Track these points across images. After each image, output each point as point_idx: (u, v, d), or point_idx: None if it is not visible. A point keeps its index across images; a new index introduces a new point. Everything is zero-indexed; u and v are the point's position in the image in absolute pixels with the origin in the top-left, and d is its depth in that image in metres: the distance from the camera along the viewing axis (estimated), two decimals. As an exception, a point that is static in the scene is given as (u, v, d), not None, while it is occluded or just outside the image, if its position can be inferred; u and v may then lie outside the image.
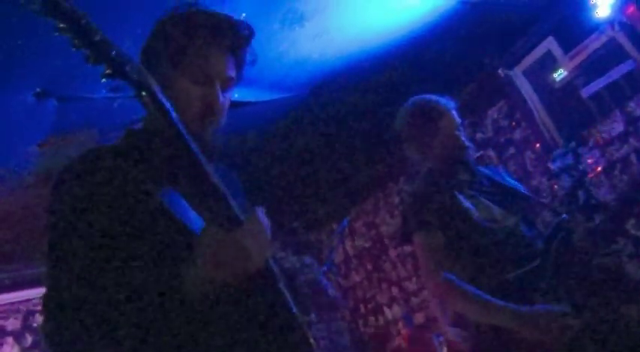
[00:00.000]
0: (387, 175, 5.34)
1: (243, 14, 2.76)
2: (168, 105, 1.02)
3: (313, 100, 3.76)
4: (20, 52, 2.44)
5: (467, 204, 2.11)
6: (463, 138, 2.25)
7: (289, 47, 3.16)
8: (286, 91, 3.53)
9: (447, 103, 2.30)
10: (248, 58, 1.30)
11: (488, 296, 1.93)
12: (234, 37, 1.25)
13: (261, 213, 1.08)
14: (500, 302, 1.90)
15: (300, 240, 5.72)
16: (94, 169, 1.09)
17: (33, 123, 2.91)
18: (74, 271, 1.00)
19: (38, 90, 2.66)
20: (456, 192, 2.13)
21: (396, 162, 5.01)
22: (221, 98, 1.22)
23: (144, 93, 0.98)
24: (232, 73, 1.25)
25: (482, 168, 2.39)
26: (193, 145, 1.03)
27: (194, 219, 1.09)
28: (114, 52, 0.92)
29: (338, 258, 5.97)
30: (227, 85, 1.25)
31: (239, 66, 1.28)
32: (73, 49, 0.89)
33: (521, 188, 2.37)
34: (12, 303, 4.32)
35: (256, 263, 1.04)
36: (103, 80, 0.92)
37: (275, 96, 3.52)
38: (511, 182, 2.36)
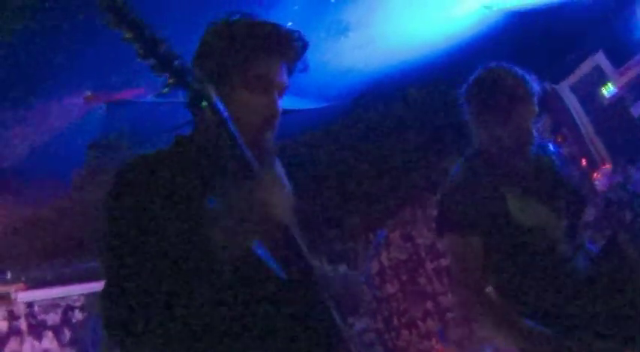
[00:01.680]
0: (425, 186, 5.29)
1: (290, 23, 2.78)
2: (226, 114, 1.04)
3: (355, 110, 3.76)
4: (72, 57, 2.51)
5: (513, 204, 1.77)
6: (535, 132, 1.84)
7: (333, 57, 3.16)
8: (329, 100, 3.54)
9: (532, 87, 1.84)
10: (299, 66, 1.33)
11: (524, 320, 1.68)
12: (290, 48, 1.27)
13: (277, 166, 1.12)
14: (542, 330, 1.65)
15: (336, 249, 5.70)
16: (148, 175, 1.13)
17: (83, 126, 2.99)
18: (132, 268, 1.05)
19: (88, 93, 2.74)
20: (504, 188, 1.78)
21: (434, 174, 4.95)
22: (279, 106, 1.25)
23: (204, 103, 1.01)
24: (287, 81, 1.28)
25: (539, 149, 1.96)
26: (248, 153, 1.07)
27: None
28: (177, 62, 0.95)
29: (373, 268, 5.93)
30: (281, 92, 1.27)
31: (290, 73, 1.31)
32: (139, 60, 0.93)
33: (578, 184, 2.06)
34: (52, 299, 4.45)
35: (277, 214, 1.06)
36: (166, 90, 0.96)
37: (317, 105, 3.53)
38: (568, 175, 2.00)
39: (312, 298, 1.19)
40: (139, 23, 0.90)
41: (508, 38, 3.44)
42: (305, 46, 1.30)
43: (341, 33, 3.04)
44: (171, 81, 0.96)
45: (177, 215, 1.08)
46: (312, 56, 1.29)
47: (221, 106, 1.03)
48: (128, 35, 0.90)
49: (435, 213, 2.00)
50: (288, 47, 1.27)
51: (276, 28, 1.26)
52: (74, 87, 2.75)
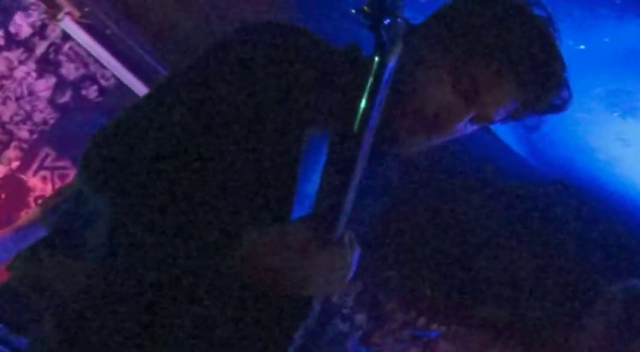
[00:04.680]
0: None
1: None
2: (388, 76, 0.85)
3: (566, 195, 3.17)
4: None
5: None
6: None
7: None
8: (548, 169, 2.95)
9: None
10: (532, 120, 1.13)
11: None
12: (547, 92, 1.05)
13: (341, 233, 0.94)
14: None
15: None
16: (271, 46, 1.00)
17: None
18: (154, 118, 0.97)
19: None
20: None
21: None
22: (464, 128, 1.06)
23: (377, 55, 0.84)
24: (499, 118, 1.08)
25: None
26: (372, 122, 0.88)
27: (313, 179, 0.95)
28: (388, 1, 0.80)
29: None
30: (482, 121, 1.08)
31: (514, 116, 1.09)
32: None
33: None
34: (85, 50, 3.67)
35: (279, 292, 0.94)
36: (353, 11, 0.82)
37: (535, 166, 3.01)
38: None
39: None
40: None
41: None
42: (563, 106, 1.10)
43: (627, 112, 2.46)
44: (367, 10, 0.79)
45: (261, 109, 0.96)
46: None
47: (391, 67, 0.85)
48: None
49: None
50: (546, 88, 1.04)
51: (560, 59, 1.04)
52: None
